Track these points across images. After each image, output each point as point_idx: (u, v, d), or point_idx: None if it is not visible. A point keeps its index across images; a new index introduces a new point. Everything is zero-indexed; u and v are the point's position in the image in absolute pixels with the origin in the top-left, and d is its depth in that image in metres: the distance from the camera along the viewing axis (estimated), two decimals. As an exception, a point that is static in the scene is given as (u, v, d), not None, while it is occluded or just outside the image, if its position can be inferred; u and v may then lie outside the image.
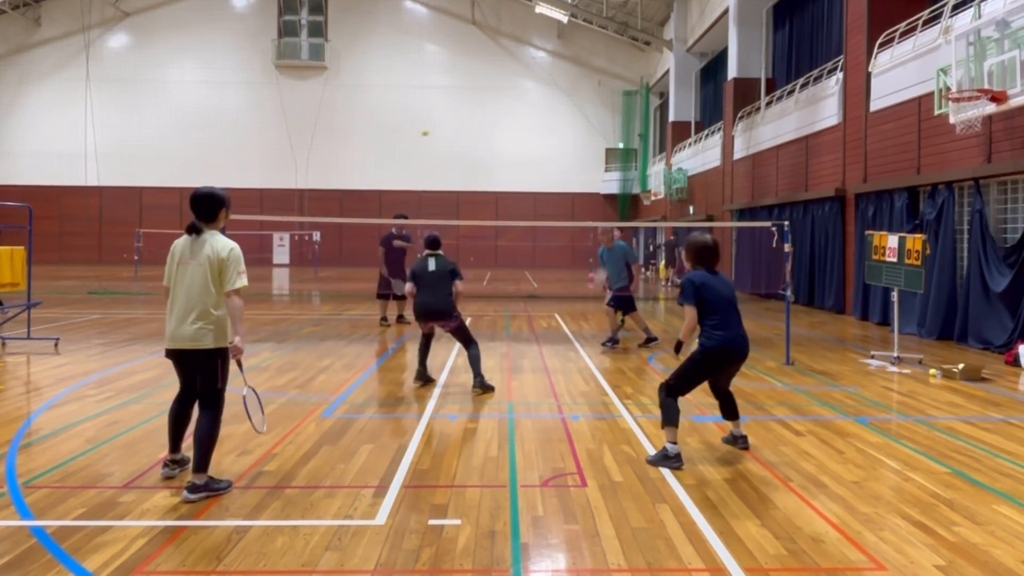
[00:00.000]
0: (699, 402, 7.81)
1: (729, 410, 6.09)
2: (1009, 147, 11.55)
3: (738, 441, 6.10)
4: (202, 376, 5.02)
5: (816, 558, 4.01)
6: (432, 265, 8.48)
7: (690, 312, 5.69)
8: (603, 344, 11.76)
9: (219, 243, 5.03)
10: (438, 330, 8.76)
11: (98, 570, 3.78)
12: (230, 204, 5.25)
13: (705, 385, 5.96)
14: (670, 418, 5.64)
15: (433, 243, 8.64)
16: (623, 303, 11.75)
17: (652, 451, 5.97)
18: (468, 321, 15.18)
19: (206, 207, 5.10)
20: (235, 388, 5.37)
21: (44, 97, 41.07)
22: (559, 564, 3.95)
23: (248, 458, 5.68)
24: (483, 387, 8.25)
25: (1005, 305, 11.29)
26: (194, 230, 5.07)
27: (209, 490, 4.85)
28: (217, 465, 5.48)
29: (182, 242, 5.10)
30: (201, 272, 4.97)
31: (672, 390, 5.72)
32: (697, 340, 5.79)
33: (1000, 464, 5.74)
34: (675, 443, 5.65)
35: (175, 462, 5.24)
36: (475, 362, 8.38)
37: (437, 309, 8.37)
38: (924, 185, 13.83)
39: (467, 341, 8.49)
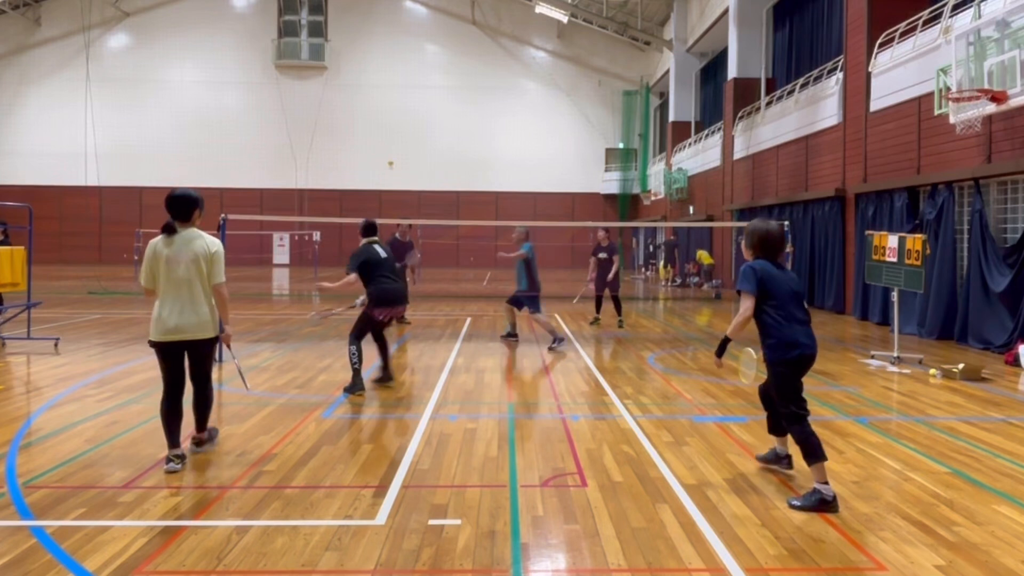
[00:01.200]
0: (699, 402, 7.81)
1: (779, 424, 5.25)
2: (1009, 147, 11.55)
3: (782, 461, 5.38)
4: (200, 361, 5.53)
5: (816, 558, 4.01)
6: (384, 252, 8.29)
7: (747, 302, 4.87)
8: (502, 337, 12.51)
9: (208, 240, 5.51)
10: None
11: (98, 570, 3.78)
12: (203, 205, 5.62)
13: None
14: (811, 451, 4.74)
15: (374, 229, 8.42)
16: (526, 302, 11.87)
17: (652, 451, 5.97)
18: (468, 321, 15.18)
19: (182, 207, 5.48)
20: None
21: (44, 97, 41.07)
22: (559, 564, 3.95)
23: (248, 458, 5.68)
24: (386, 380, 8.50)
25: (1005, 305, 11.29)
26: (170, 230, 5.44)
27: (211, 439, 5.84)
28: (218, 465, 5.53)
29: (161, 241, 5.42)
30: (196, 267, 5.39)
31: (792, 417, 4.87)
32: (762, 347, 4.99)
33: (1000, 464, 5.74)
34: (826, 482, 4.70)
35: (178, 456, 5.37)
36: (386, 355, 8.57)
37: (404, 294, 8.33)
38: (924, 185, 13.83)
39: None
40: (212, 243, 5.53)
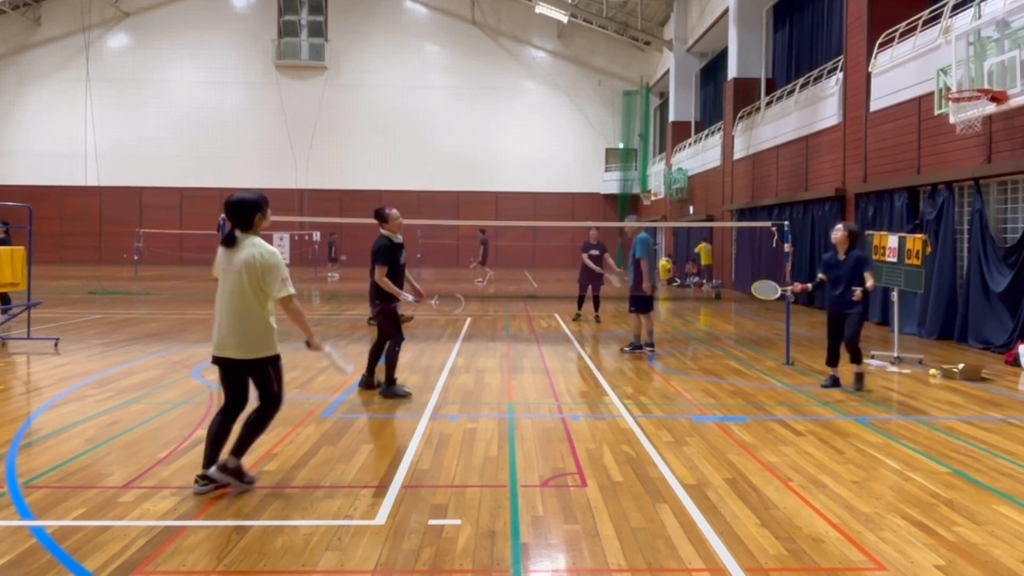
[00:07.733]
0: (699, 402, 7.82)
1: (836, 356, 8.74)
2: (1009, 147, 11.55)
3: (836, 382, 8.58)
4: (257, 383, 5.05)
5: (816, 558, 4.01)
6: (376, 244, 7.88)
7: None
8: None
9: (256, 249, 4.88)
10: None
11: (98, 570, 3.78)
12: (265, 206, 5.03)
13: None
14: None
15: (375, 215, 7.97)
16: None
17: (652, 451, 5.97)
18: (468, 321, 15.17)
19: (240, 214, 4.94)
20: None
21: (44, 97, 41.04)
22: (559, 564, 3.95)
23: (248, 458, 5.65)
24: (386, 395, 7.82)
25: (1005, 305, 11.28)
26: (227, 241, 4.95)
27: (236, 477, 4.94)
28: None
29: (223, 251, 4.99)
30: (238, 279, 4.87)
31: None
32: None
33: (1000, 464, 5.74)
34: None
35: (207, 478, 4.94)
36: (390, 361, 7.91)
37: (369, 293, 7.94)
38: (924, 185, 13.83)
39: (388, 335, 7.86)
40: (264, 252, 4.88)
